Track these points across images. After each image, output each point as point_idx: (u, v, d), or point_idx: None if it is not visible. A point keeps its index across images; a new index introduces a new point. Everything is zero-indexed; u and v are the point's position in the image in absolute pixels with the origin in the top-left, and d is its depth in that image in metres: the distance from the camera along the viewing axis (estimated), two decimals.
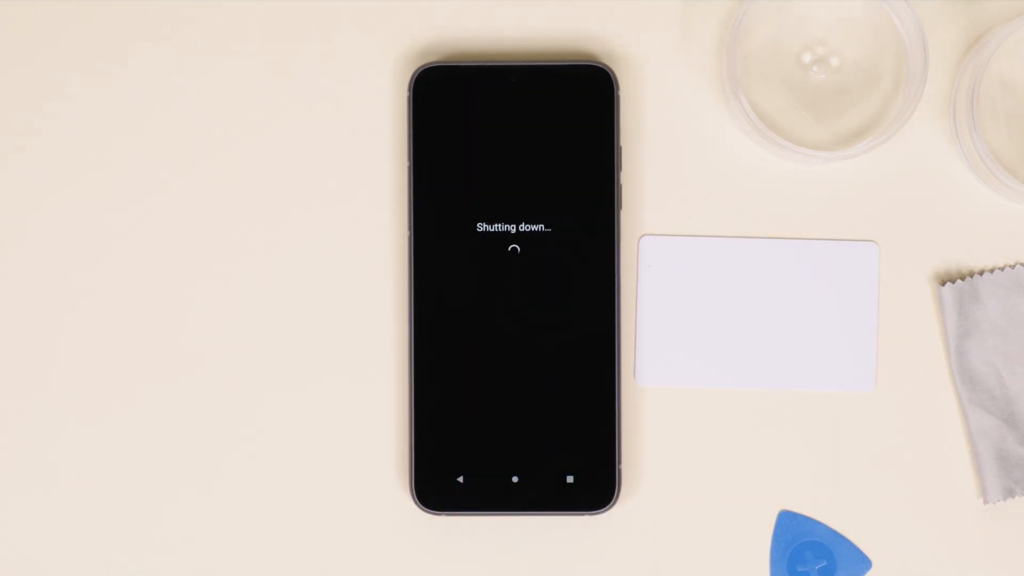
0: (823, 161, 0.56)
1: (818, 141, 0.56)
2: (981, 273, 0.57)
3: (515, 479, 0.55)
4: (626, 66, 0.57)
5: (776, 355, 0.57)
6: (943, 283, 0.56)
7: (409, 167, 0.55)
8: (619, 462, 0.55)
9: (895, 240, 0.57)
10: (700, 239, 0.57)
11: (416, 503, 0.55)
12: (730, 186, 0.58)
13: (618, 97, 0.55)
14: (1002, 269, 0.57)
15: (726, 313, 0.58)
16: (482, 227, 0.56)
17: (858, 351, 0.57)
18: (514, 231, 0.56)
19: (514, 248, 0.55)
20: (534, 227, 0.56)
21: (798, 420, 0.57)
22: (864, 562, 0.57)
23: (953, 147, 0.57)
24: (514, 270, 0.56)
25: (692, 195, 0.58)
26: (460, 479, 0.56)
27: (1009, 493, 0.55)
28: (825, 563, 0.57)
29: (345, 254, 0.58)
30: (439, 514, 0.55)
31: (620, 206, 0.55)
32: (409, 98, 0.55)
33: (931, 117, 0.58)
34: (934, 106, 0.58)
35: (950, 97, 0.57)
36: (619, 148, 0.55)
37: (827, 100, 0.57)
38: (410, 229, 0.55)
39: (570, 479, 0.56)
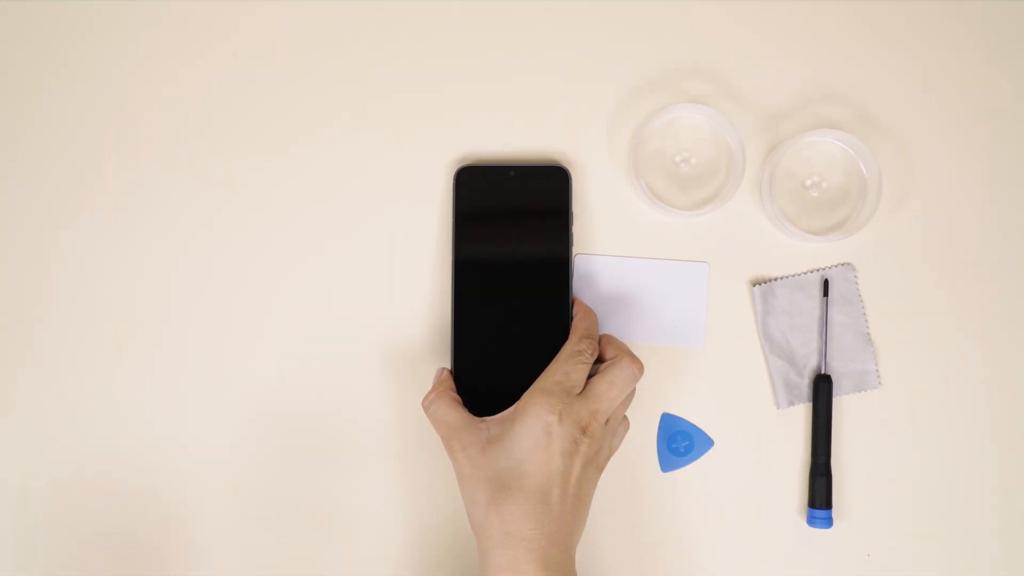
0: (686, 217, 0.67)
1: (683, 205, 0.67)
2: (776, 279, 0.68)
3: (512, 380, 0.62)
4: (576, 165, 0.68)
5: (652, 323, 0.67)
6: (754, 285, 0.68)
7: (453, 225, 0.66)
8: None
9: (724, 260, 0.69)
10: (615, 257, 0.68)
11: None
12: (634, 230, 0.68)
13: (571, 182, 0.65)
14: (787, 277, 0.68)
15: (627, 297, 0.66)
16: (497, 251, 0.64)
17: (696, 322, 0.67)
18: (516, 254, 0.64)
19: (516, 260, 0.64)
20: (528, 250, 0.64)
21: (668, 360, 0.68)
22: (709, 442, 0.68)
23: (760, 208, 0.68)
24: (515, 271, 0.64)
25: (612, 233, 0.68)
26: (485, 378, 0.63)
27: (790, 403, 0.68)
28: (688, 443, 0.67)
29: (420, 267, 0.68)
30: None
31: (572, 241, 0.65)
32: (453, 185, 0.66)
33: (748, 192, 0.68)
34: (749, 186, 0.68)
35: (758, 180, 0.68)
36: (572, 211, 0.65)
37: (688, 182, 0.67)
38: (453, 253, 0.65)
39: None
